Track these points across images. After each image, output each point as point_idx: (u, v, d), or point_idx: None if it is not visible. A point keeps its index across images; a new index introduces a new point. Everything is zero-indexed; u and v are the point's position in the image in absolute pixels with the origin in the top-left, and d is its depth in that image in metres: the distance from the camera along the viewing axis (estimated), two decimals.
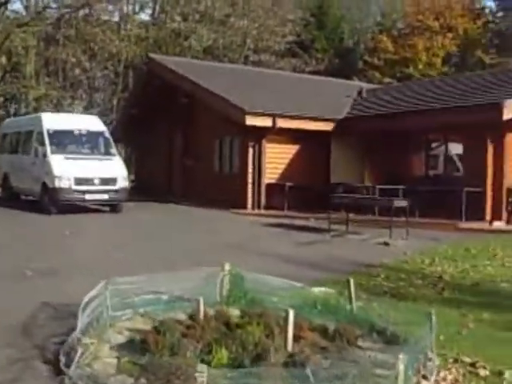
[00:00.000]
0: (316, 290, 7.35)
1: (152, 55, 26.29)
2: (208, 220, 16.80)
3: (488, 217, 16.45)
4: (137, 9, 39.14)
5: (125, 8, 38.03)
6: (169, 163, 24.17)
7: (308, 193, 19.24)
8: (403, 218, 13.82)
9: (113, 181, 17.13)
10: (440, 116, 16.91)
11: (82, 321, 5.43)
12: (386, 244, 13.13)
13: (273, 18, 34.91)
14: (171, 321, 5.74)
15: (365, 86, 26.22)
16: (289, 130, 18.62)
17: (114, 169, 17.56)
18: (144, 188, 24.35)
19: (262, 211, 18.62)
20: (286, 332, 5.21)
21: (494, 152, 16.44)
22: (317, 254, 11.69)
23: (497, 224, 16.35)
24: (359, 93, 24.02)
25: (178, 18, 36.47)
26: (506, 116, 15.26)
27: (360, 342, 5.69)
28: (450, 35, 34.84)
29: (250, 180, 18.97)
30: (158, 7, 38.95)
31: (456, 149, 20.60)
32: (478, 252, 12.24)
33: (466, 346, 5.95)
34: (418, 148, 19.25)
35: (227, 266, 7.08)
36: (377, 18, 41.61)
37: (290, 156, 19.71)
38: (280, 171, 19.49)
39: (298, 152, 19.79)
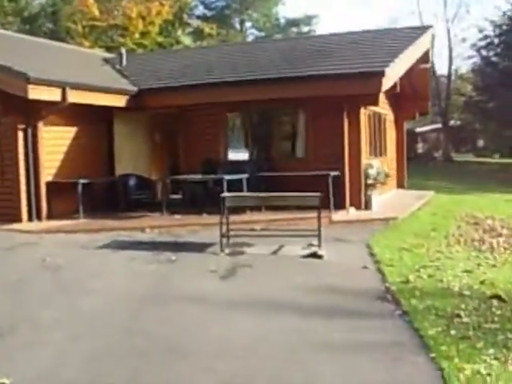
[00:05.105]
0: None
1: None
2: None
3: (347, 204, 13.75)
4: None
5: None
6: None
7: (95, 191, 14.36)
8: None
9: None
10: (288, 86, 13.46)
11: None
12: (318, 257, 9.46)
13: None
14: None
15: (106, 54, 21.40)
16: (68, 107, 13.27)
17: None
18: None
19: (46, 223, 13.01)
20: None
21: (350, 128, 13.72)
22: (285, 289, 7.61)
23: (353, 212, 13.77)
24: (106, 60, 19.21)
25: None
26: (384, 86, 12.62)
27: None
28: (166, 2, 31.27)
29: (23, 179, 13.13)
30: None
31: None
32: (421, 251, 9.85)
33: None
34: (237, 126, 15.68)
35: None
36: None
37: (67, 142, 14.31)
38: (58, 164, 13.99)
39: (75, 137, 14.48)
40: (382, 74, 12.51)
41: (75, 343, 5.78)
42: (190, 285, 7.89)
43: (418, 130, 52.81)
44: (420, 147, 53.20)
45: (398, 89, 14.19)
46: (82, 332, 6.11)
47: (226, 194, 10.12)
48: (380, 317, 6.52)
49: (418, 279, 7.98)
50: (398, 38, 15.47)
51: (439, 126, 52.41)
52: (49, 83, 12.38)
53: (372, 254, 9.64)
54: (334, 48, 15.64)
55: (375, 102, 13.70)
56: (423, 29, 16.50)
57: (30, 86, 11.95)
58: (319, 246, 9.63)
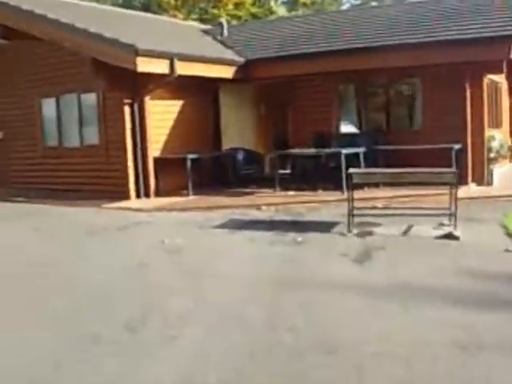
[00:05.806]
0: None
1: None
2: (120, 229, 10.42)
3: (470, 180, 12.80)
4: None
5: None
6: None
7: (202, 165, 13.94)
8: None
9: None
10: (404, 54, 12.56)
11: None
12: (454, 238, 8.64)
13: None
14: None
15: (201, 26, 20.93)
16: (174, 79, 12.78)
17: None
18: None
19: (155, 200, 12.71)
20: None
21: (472, 98, 12.72)
22: (429, 274, 6.80)
23: (474, 188, 12.80)
24: (205, 32, 18.73)
25: None
26: None
27: None
28: None
29: (130, 156, 12.83)
30: None
31: None
32: None
33: None
34: (348, 97, 14.90)
35: None
36: None
37: (173, 116, 13.93)
38: (164, 138, 13.64)
39: (180, 110, 14.08)
40: (510, 38, 11.43)
41: (213, 338, 5.16)
42: (324, 269, 7.26)
43: None
44: None
45: None
46: (218, 324, 5.51)
47: (352, 170, 9.38)
48: None
49: None
50: None
51: None
52: (157, 55, 11.94)
53: (510, 235, 8.77)
54: (448, 13, 14.42)
55: (500, 70, 12.58)
56: None
57: (139, 59, 11.53)
58: (455, 225, 8.82)
